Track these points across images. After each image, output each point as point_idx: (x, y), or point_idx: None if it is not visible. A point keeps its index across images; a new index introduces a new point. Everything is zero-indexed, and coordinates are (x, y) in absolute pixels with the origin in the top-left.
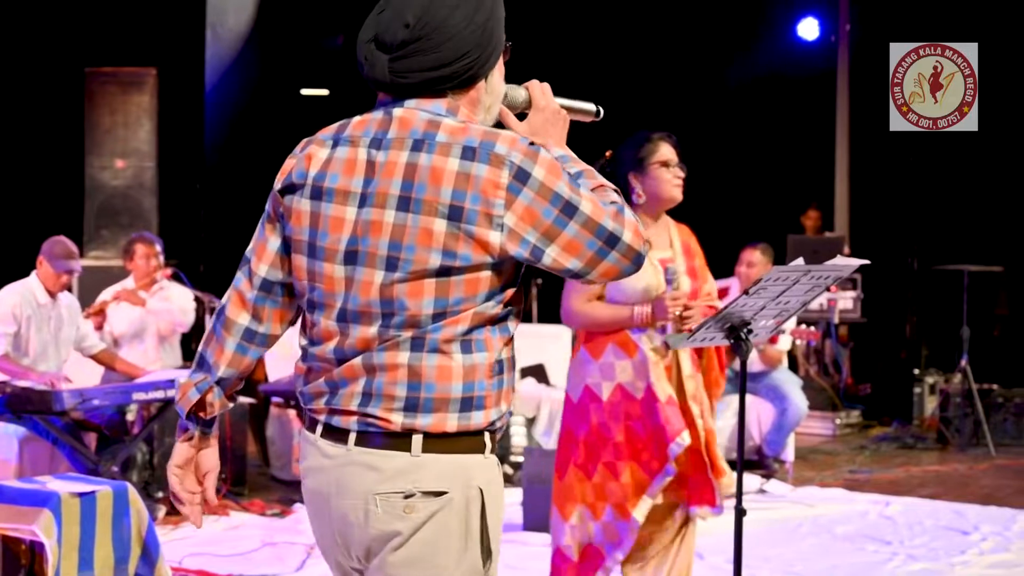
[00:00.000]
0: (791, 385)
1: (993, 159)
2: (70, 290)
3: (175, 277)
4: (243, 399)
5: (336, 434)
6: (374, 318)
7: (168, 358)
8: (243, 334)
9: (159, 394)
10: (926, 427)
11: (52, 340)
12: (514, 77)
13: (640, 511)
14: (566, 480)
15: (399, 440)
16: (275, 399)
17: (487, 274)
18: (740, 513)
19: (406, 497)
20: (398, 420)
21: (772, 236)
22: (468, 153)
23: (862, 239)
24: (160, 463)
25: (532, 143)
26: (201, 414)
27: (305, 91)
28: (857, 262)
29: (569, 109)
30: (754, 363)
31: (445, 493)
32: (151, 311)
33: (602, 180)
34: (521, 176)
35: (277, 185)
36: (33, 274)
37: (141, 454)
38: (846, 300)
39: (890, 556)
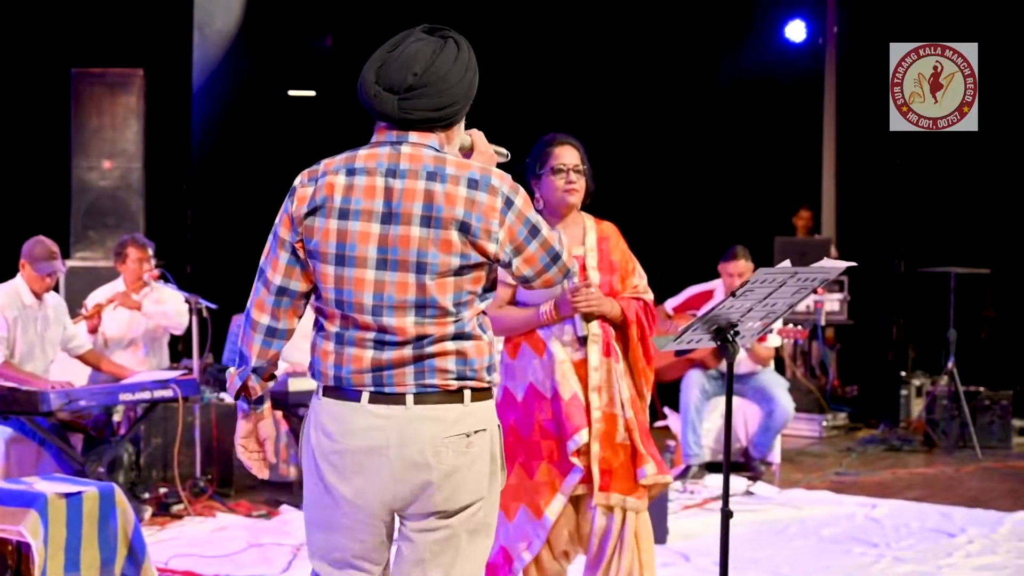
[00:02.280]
0: (778, 387)
1: (981, 161)
2: (57, 290)
3: (162, 278)
4: (229, 400)
5: (391, 398)
6: (408, 311)
7: (156, 360)
8: (266, 331)
9: (145, 395)
10: (913, 429)
11: (38, 341)
12: (507, 83)
13: (552, 509)
14: None
15: (454, 395)
16: None
17: (483, 273)
18: (727, 515)
19: (466, 436)
20: (454, 384)
21: (760, 237)
22: (472, 184)
23: (849, 241)
24: (146, 464)
25: (512, 180)
26: (247, 395)
27: (292, 92)
28: (844, 264)
29: (494, 153)
30: (741, 364)
31: (484, 430)
32: (146, 314)
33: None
34: (508, 203)
35: (300, 210)
36: (18, 275)
37: (128, 455)
38: (833, 302)
39: (877, 558)
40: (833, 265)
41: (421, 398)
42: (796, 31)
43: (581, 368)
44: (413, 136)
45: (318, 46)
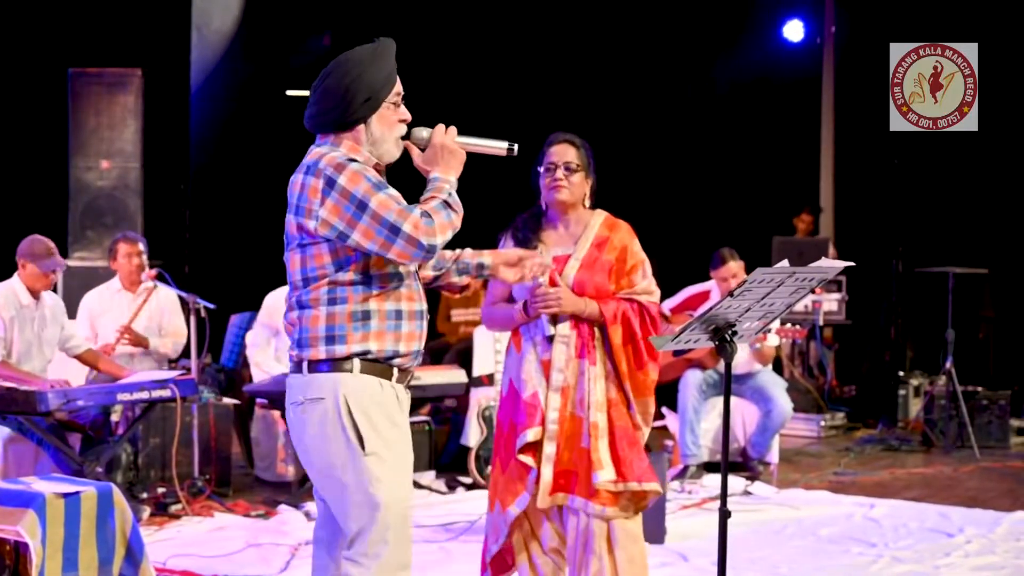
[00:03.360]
0: (776, 387)
1: (979, 161)
2: (55, 290)
3: (159, 278)
4: (227, 400)
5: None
6: (288, 285)
7: (154, 360)
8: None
9: (144, 395)
10: (911, 429)
11: (36, 340)
12: (506, 84)
13: (517, 505)
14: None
15: (298, 365)
16: (260, 400)
17: (322, 250)
18: (725, 515)
19: (299, 404)
20: (295, 353)
21: (758, 238)
22: (308, 170)
23: (847, 241)
24: (144, 464)
25: (352, 159)
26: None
27: (291, 92)
28: (841, 264)
29: (476, 146)
30: (740, 365)
31: (322, 399)
32: (153, 349)
33: (443, 199)
34: (330, 183)
35: None
36: (15, 275)
37: (126, 455)
38: (831, 302)
39: (875, 558)
40: (831, 265)
41: (290, 367)
42: (794, 31)
43: (548, 368)
44: (317, 138)
45: (316, 46)
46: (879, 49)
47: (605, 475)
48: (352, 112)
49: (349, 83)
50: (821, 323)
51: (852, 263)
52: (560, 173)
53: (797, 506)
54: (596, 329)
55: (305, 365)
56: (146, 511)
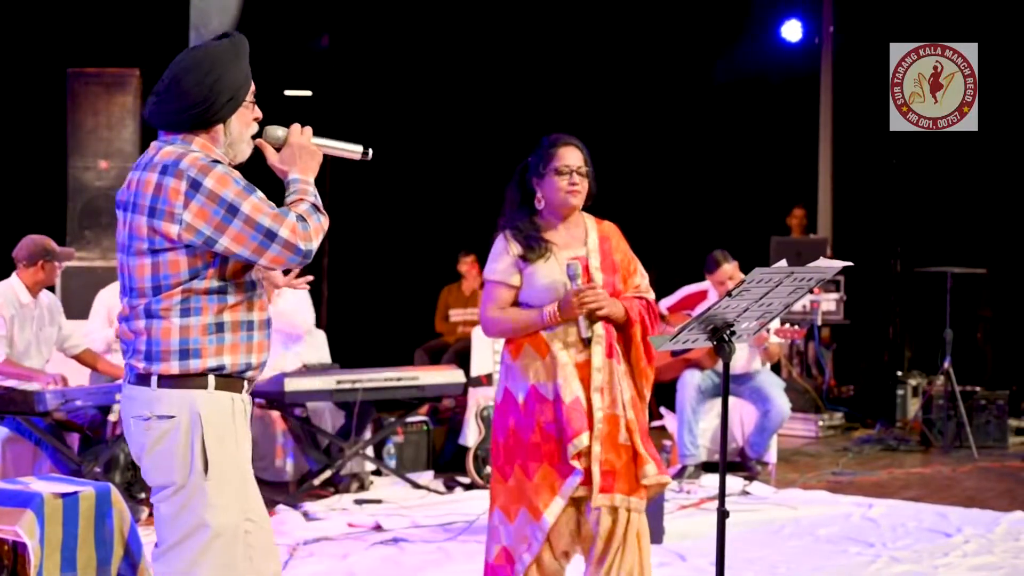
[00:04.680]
0: (774, 387)
1: (978, 161)
2: (52, 290)
3: None
4: None
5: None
6: (124, 291)
7: None
8: None
9: None
10: (909, 429)
11: (34, 340)
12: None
13: (551, 512)
14: (491, 483)
15: (143, 378)
16: (257, 400)
17: (180, 257)
18: (723, 515)
19: (145, 420)
20: (142, 366)
21: (755, 237)
22: (164, 170)
23: (845, 241)
24: None
25: (215, 160)
26: None
27: (289, 92)
28: (840, 264)
29: (332, 148)
30: (738, 365)
31: (172, 417)
32: None
33: (311, 201)
34: (195, 185)
35: None
36: (13, 275)
37: (124, 455)
38: (829, 302)
39: (873, 558)
40: (829, 265)
41: (129, 376)
42: (792, 31)
43: (584, 369)
44: (161, 134)
45: (315, 46)
46: (877, 49)
47: (651, 470)
48: (215, 111)
49: (212, 82)
50: (819, 323)
51: (850, 263)
52: (576, 178)
53: (795, 506)
54: (614, 329)
55: (155, 380)
56: (144, 511)
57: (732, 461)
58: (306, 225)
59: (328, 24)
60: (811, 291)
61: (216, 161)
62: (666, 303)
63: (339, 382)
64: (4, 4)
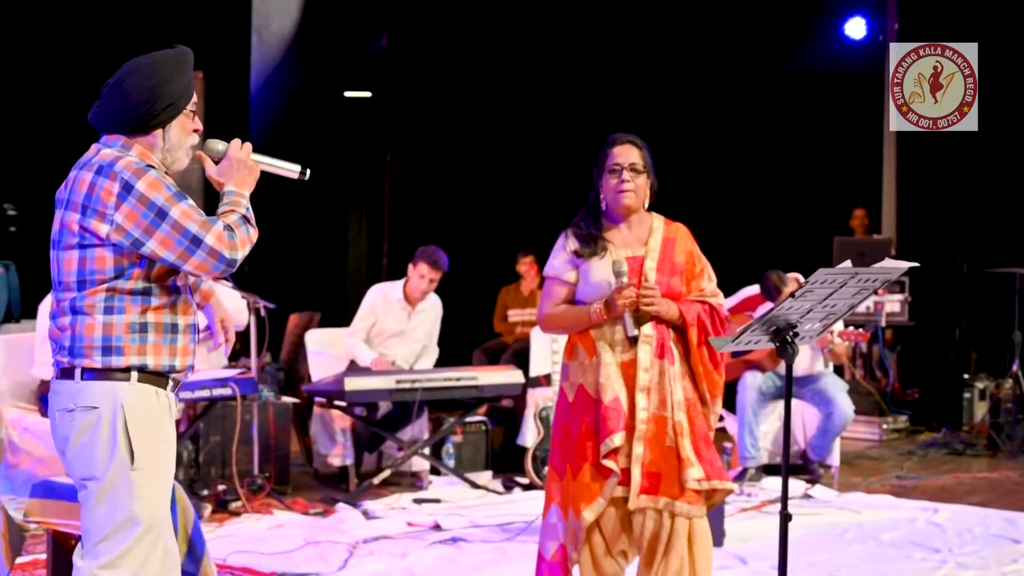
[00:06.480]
0: (837, 389)
1: None
2: None
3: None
4: (286, 399)
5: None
6: (54, 286)
7: (214, 358)
8: None
9: (205, 393)
10: (976, 433)
11: None
12: (566, 83)
13: (591, 511)
14: (546, 481)
15: (67, 372)
16: (318, 399)
17: (107, 254)
18: (785, 518)
19: (69, 411)
20: (66, 361)
21: (818, 237)
22: (99, 170)
23: (910, 241)
24: (205, 461)
25: (149, 165)
26: None
27: (349, 93)
28: (905, 265)
29: (270, 165)
30: (800, 367)
31: (95, 408)
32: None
33: (242, 213)
34: (127, 188)
35: None
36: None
37: (187, 452)
38: (893, 303)
39: (939, 564)
40: (895, 265)
41: (55, 372)
42: (856, 28)
43: (629, 369)
44: (103, 136)
45: (374, 47)
46: None
47: (695, 473)
48: (153, 116)
49: (153, 87)
50: (883, 324)
51: (916, 263)
52: (627, 175)
53: (858, 510)
54: (671, 330)
55: (78, 372)
56: (207, 508)
57: (794, 464)
58: (233, 235)
59: (387, 25)
60: (875, 292)
61: (150, 166)
62: (727, 304)
63: (398, 382)
64: (71, 9)
